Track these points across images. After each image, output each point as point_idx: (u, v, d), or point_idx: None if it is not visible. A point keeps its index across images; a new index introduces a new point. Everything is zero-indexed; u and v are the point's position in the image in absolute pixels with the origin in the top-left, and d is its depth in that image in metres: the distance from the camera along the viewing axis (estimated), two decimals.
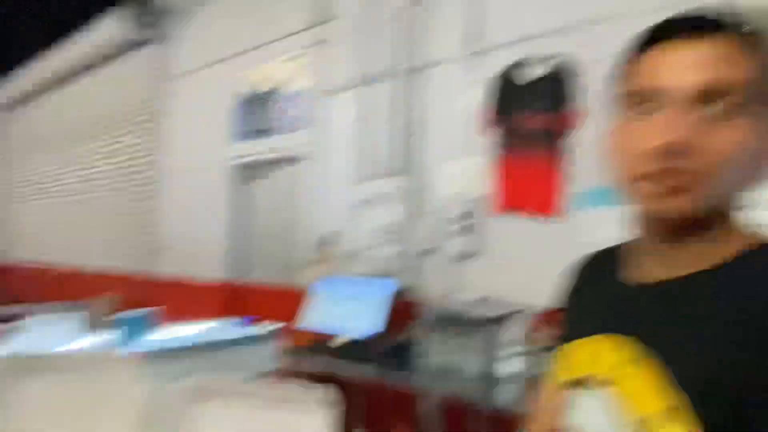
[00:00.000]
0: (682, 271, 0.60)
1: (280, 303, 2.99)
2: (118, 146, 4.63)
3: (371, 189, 2.76)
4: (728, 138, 0.47)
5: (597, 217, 2.06)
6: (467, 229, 2.40)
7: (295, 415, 0.72)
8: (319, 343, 2.42)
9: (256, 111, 3.46)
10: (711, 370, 0.52)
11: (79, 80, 5.20)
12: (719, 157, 0.48)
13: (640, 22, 1.67)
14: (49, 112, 5.92)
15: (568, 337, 0.74)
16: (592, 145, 2.06)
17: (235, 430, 0.75)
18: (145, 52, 4.26)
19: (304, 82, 3.24)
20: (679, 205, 0.50)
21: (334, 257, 2.90)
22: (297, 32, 3.25)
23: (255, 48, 3.50)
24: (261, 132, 3.41)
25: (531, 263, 2.22)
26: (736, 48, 0.48)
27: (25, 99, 6.23)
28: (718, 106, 0.47)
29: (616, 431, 0.59)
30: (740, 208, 0.56)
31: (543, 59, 2.24)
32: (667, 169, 0.49)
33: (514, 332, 1.96)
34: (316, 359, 2.29)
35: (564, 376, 0.71)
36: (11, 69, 5.85)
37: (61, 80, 5.37)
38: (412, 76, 2.67)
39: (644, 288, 0.63)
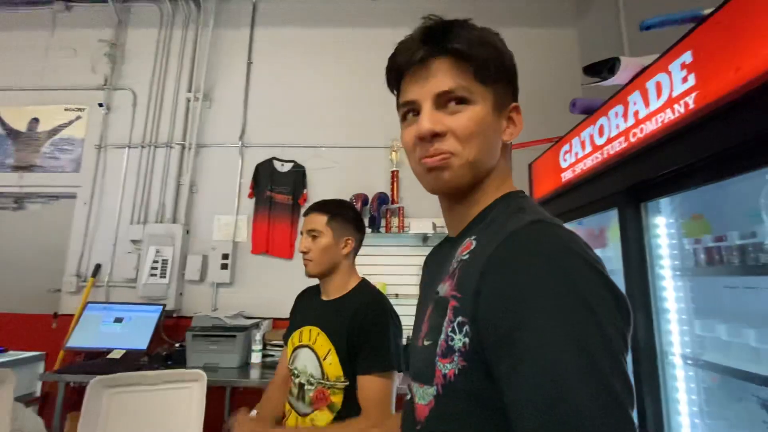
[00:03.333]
0: (332, 296, 1.12)
1: (37, 329, 2.45)
2: None
3: (146, 230, 2.66)
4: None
5: None
6: (226, 266, 2.63)
7: (179, 389, 0.88)
8: (93, 358, 2.16)
9: (20, 146, 2.81)
10: (339, 338, 1.05)
11: None
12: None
13: (335, 153, 2.55)
14: None
15: (291, 329, 1.19)
16: None
17: (139, 405, 0.84)
18: None
19: (80, 132, 2.87)
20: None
21: (102, 285, 2.61)
22: (80, 89, 2.89)
23: (27, 88, 2.89)
24: (24, 167, 2.78)
25: (271, 289, 2.63)
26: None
27: None
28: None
29: (315, 366, 1.06)
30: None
31: (288, 161, 2.79)
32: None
33: (259, 334, 2.30)
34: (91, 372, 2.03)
35: (291, 345, 1.15)
36: None
37: None
38: (192, 150, 2.79)
39: (325, 302, 1.13)
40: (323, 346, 1.06)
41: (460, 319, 0.44)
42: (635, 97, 1.05)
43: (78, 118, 2.87)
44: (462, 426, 0.43)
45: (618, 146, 1.13)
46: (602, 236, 1.40)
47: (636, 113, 1.04)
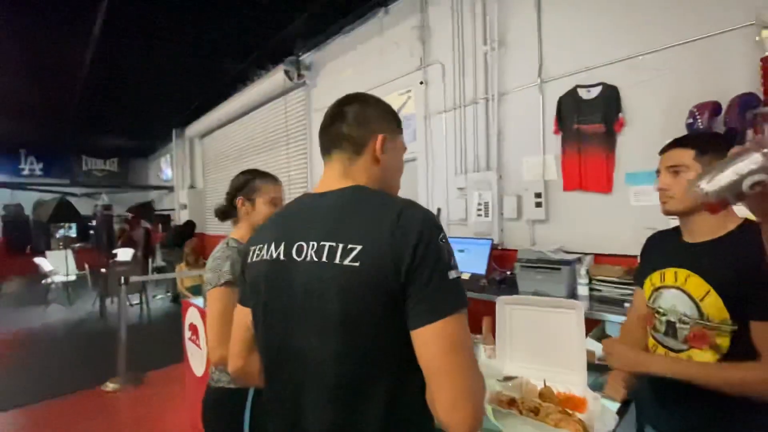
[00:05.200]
0: (701, 238, 1.02)
1: None
2: (281, 158, 5.29)
3: (468, 179, 3.15)
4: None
5: (635, 191, 2.36)
6: (540, 204, 2.75)
7: (561, 314, 1.11)
8: None
9: None
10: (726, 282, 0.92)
11: (255, 113, 5.93)
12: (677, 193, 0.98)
13: (660, 57, 2.10)
14: (229, 138, 6.79)
15: (646, 271, 1.13)
16: (632, 143, 2.35)
17: (533, 321, 1.14)
18: (300, 92, 4.85)
19: (412, 109, 3.65)
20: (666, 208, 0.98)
21: (445, 225, 3.35)
22: (406, 74, 3.64)
23: (375, 87, 3.92)
24: None
25: (588, 225, 2.55)
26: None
27: (212, 130, 7.17)
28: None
29: (688, 306, 0.99)
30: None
31: (594, 85, 2.51)
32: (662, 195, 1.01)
33: (583, 269, 2.33)
34: None
35: (651, 286, 1.10)
36: (201, 112, 6.72)
37: (239, 115, 6.15)
38: (495, 101, 3.00)
39: (692, 245, 1.04)
40: (698, 287, 0.99)
41: None
42: None
43: (408, 98, 3.68)
44: None
45: None
46: None
47: None
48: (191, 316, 2.64)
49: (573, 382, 1.00)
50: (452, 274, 0.67)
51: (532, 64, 2.81)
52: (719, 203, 0.57)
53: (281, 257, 0.75)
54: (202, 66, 4.85)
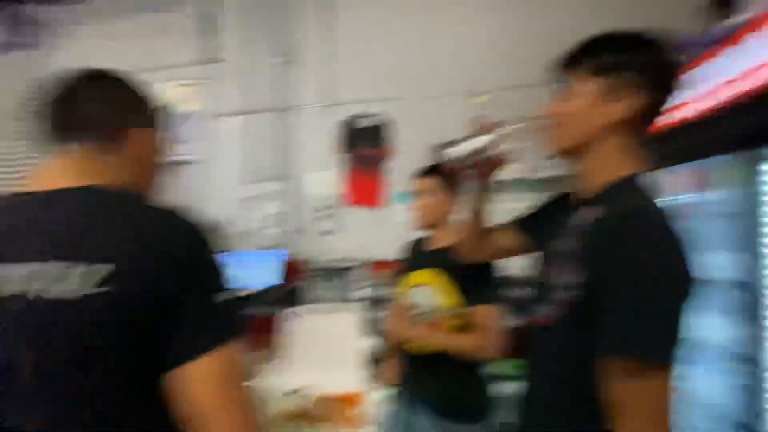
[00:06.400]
0: (440, 246, 1.32)
1: None
2: None
3: (256, 189, 3.07)
4: None
5: (400, 208, 2.90)
6: (328, 215, 2.97)
7: (340, 317, 1.18)
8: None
9: None
10: (456, 278, 1.25)
11: None
12: None
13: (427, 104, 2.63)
14: None
15: (404, 272, 1.41)
16: (400, 168, 2.87)
17: (318, 326, 1.14)
18: (19, 56, 3.48)
19: (193, 106, 3.28)
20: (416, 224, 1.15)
21: (228, 238, 3.12)
22: (186, 65, 3.24)
23: (141, 71, 3.28)
24: None
25: (366, 235, 2.94)
26: None
27: None
28: None
29: (434, 299, 1.28)
30: None
31: (371, 115, 2.93)
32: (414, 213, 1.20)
33: (363, 274, 2.65)
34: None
35: (407, 285, 1.38)
36: None
37: None
38: (286, 113, 3.06)
39: (435, 250, 1.32)
40: (441, 283, 1.29)
41: (575, 266, 0.64)
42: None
43: (190, 93, 3.27)
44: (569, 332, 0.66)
45: (740, 87, 1.08)
46: (705, 179, 1.37)
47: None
48: None
49: (351, 379, 1.13)
50: (223, 297, 0.58)
51: (323, 87, 3.02)
52: (455, 168, 0.75)
53: None
54: None
